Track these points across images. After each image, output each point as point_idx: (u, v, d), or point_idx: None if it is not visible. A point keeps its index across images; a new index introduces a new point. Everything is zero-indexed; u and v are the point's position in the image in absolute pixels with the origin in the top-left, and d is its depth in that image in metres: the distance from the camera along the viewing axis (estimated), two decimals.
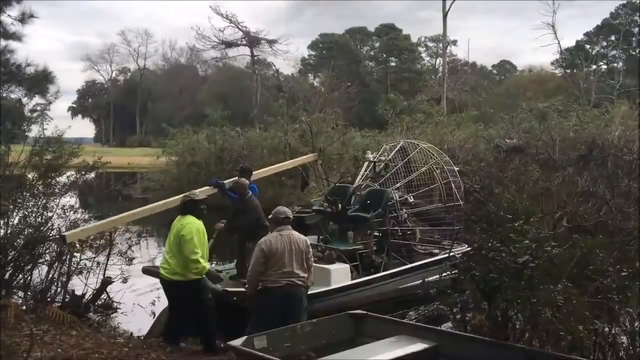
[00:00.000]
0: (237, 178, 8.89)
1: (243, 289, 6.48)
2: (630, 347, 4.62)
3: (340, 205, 9.69)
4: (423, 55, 72.79)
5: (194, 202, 6.26)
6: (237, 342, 4.61)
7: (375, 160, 11.19)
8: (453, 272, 5.13)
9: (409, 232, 10.28)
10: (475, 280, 4.46)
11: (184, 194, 6.63)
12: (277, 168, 13.81)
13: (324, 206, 10.02)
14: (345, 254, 8.97)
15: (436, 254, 9.89)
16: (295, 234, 5.87)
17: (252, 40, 45.85)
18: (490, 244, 4.61)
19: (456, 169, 11.14)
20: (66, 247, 7.61)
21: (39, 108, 9.17)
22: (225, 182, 9.27)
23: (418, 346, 4.60)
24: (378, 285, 8.86)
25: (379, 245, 9.61)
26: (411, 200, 10.45)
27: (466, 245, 8.40)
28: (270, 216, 6.05)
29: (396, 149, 11.56)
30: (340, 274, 8.45)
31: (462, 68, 62.88)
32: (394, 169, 10.98)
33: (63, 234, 7.53)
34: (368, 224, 9.40)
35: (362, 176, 11.31)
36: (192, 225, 6.01)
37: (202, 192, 7.79)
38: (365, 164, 11.68)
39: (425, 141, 12.88)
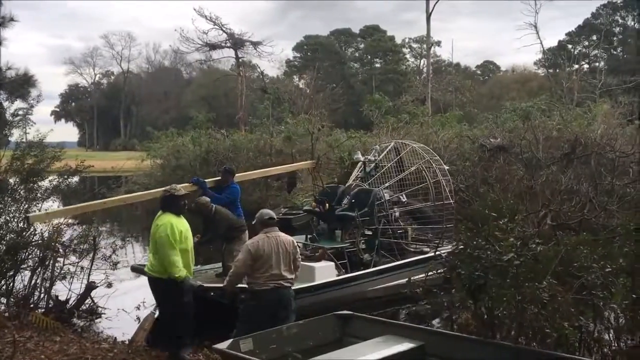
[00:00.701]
0: (219, 178, 9.42)
1: (220, 285, 6.52)
2: (615, 343, 4.65)
3: (327, 204, 9.86)
4: (408, 56, 73.13)
5: (173, 198, 5.93)
6: (223, 345, 4.58)
7: (365, 160, 11.39)
8: (438, 271, 5.14)
9: (400, 231, 10.35)
10: (461, 278, 4.47)
11: (163, 188, 6.30)
12: (276, 170, 14.24)
13: (312, 206, 10.19)
14: (334, 252, 9.14)
15: (426, 252, 9.94)
16: (283, 235, 5.83)
17: (237, 42, 45.66)
18: (475, 243, 4.62)
19: (447, 168, 11.21)
20: (30, 226, 7.62)
21: (20, 112, 9.09)
22: (207, 181, 9.36)
23: (405, 346, 4.60)
24: (362, 282, 8.93)
25: (370, 244, 9.78)
26: (404, 200, 10.59)
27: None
28: (254, 220, 5.95)
29: (387, 149, 11.70)
30: (324, 272, 8.56)
31: (446, 69, 63.29)
32: (384, 169, 11.10)
33: (27, 215, 7.60)
34: (354, 222, 9.52)
35: (354, 176, 11.43)
36: (166, 227, 5.68)
37: (183, 188, 7.41)
38: (359, 164, 11.81)
39: (413, 141, 12.94)
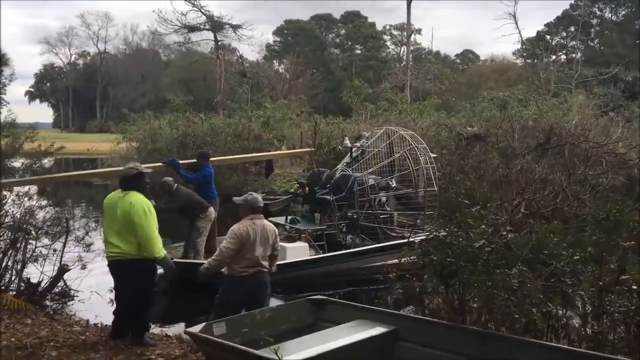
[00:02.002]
0: (194, 161, 9.87)
1: (193, 261, 7.29)
2: (582, 329, 4.76)
3: (307, 188, 10.53)
4: (388, 43, 73.23)
5: (140, 176, 5.58)
6: (195, 329, 4.57)
7: (352, 147, 12.04)
8: (411, 257, 5.19)
9: (385, 216, 10.69)
10: (433, 264, 4.52)
11: (126, 166, 5.79)
12: (273, 155, 14.64)
13: (295, 189, 11.12)
14: (316, 234, 9.80)
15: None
16: (267, 223, 5.81)
17: (216, 25, 45.13)
18: (447, 229, 4.67)
19: (434, 155, 11.46)
20: None
21: None
22: (181, 162, 9.72)
23: (377, 330, 4.65)
24: (332, 263, 9.38)
25: (350, 228, 10.19)
26: (393, 185, 10.93)
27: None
28: (242, 200, 5.83)
29: (376, 135, 12.09)
30: (295, 252, 9.08)
31: (426, 57, 63.47)
32: (370, 155, 11.45)
33: None
34: (331, 206, 10.01)
35: (344, 162, 11.86)
36: (142, 205, 5.38)
37: (153, 168, 8.08)
38: (353, 150, 12.24)
39: (403, 129, 13.11)
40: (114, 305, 5.89)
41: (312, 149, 16.17)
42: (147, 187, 5.71)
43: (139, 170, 5.61)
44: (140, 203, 5.40)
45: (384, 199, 10.72)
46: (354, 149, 11.99)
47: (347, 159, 12.01)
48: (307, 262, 9.12)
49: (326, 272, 9.17)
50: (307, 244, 9.52)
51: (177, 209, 9.04)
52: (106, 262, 5.67)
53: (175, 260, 7.12)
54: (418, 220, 10.69)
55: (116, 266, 5.51)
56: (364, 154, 11.53)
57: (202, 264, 8.17)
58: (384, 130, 12.29)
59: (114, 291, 5.90)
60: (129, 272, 5.44)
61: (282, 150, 21.09)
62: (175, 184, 9.06)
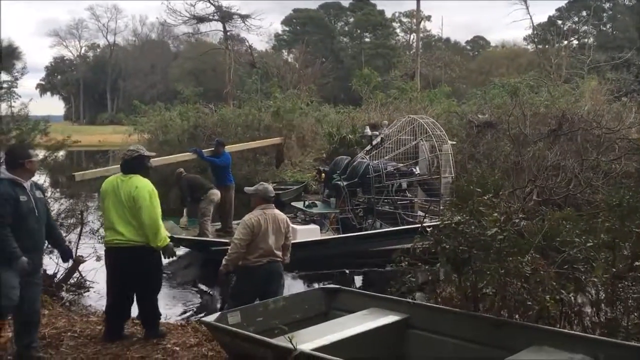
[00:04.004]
0: (213, 149, 11.53)
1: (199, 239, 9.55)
2: (595, 316, 4.76)
3: (323, 174, 11.67)
4: (397, 31, 72.61)
5: (141, 158, 5.33)
6: (210, 318, 4.63)
7: (372, 135, 12.79)
8: (424, 244, 5.20)
9: (405, 201, 11.14)
10: (445, 252, 4.53)
11: (128, 149, 5.48)
12: (245, 146, 14.94)
13: (313, 176, 12.28)
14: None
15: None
16: (278, 213, 5.86)
17: (225, 15, 45.01)
18: (460, 217, 4.68)
19: (453, 143, 11.82)
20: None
21: (5, 85, 8.96)
22: (204, 151, 11.54)
23: (390, 318, 4.68)
24: (340, 245, 10.13)
25: (368, 212, 10.98)
26: (416, 172, 11.28)
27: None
28: (253, 190, 5.88)
29: (399, 123, 12.39)
30: (306, 234, 9.83)
31: (436, 44, 62.98)
32: (388, 142, 11.83)
33: (73, 173, 9.03)
34: (344, 191, 10.81)
35: (366, 150, 12.37)
36: (148, 189, 5.15)
37: (182, 157, 11.11)
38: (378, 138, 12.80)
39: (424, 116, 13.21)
40: (108, 299, 5.44)
41: (281, 137, 16.82)
42: (149, 171, 5.46)
43: (140, 153, 5.35)
44: (146, 187, 5.16)
45: (404, 185, 11.10)
46: (373, 137, 12.56)
47: (368, 147, 12.47)
48: (314, 242, 9.77)
49: (334, 254, 9.84)
50: (318, 227, 10.40)
51: (183, 193, 10.88)
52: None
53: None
54: (433, 206, 10.79)
55: (120, 254, 5.21)
56: (383, 142, 11.92)
57: (210, 241, 9.87)
58: (406, 118, 12.59)
59: (111, 282, 5.40)
60: (135, 260, 5.16)
61: (293, 140, 21.15)
62: (184, 173, 10.97)
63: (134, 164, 5.30)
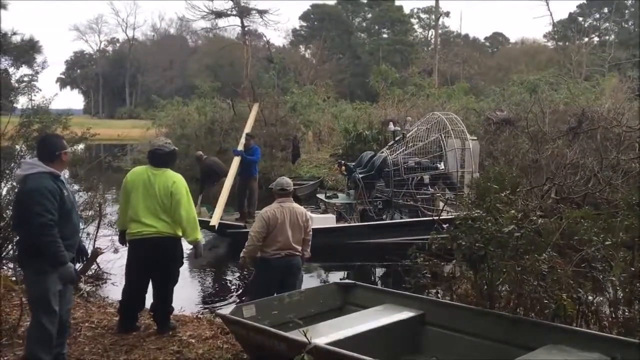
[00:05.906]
0: (244, 143, 12.20)
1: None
2: (613, 315, 4.71)
3: (344, 167, 12.17)
4: (416, 27, 72.16)
5: (174, 153, 5.42)
6: (226, 311, 4.66)
7: (395, 130, 13.28)
8: (440, 239, 5.17)
9: (426, 195, 11.48)
10: (461, 249, 4.51)
11: (159, 143, 5.45)
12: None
13: (335, 169, 13.29)
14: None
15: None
16: (296, 206, 5.83)
17: (243, 11, 45.22)
18: (476, 214, 4.65)
19: (474, 138, 12.12)
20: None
21: (26, 78, 9.07)
22: (240, 149, 12.11)
23: (405, 314, 4.67)
24: (355, 233, 10.78)
25: (386, 204, 11.51)
26: (441, 167, 11.67)
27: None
28: (272, 185, 5.90)
29: (423, 119, 12.94)
30: (321, 222, 10.03)
31: (454, 40, 62.55)
32: (410, 137, 12.27)
33: (211, 224, 10.15)
34: (360, 183, 11.35)
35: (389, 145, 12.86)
36: (184, 185, 5.22)
37: (233, 168, 11.69)
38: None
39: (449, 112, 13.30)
40: (125, 290, 5.47)
41: (257, 103, 17.16)
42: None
43: (174, 148, 5.43)
44: (182, 182, 5.22)
45: (426, 179, 11.41)
46: (397, 133, 12.96)
47: (391, 142, 12.89)
48: (328, 230, 10.15)
49: (345, 243, 10.46)
50: (334, 216, 11.19)
51: (202, 176, 12.28)
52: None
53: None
54: (449, 200, 10.81)
55: (147, 244, 5.18)
56: (405, 137, 12.28)
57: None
58: (430, 114, 12.91)
59: (132, 273, 5.42)
60: (162, 250, 5.20)
61: (309, 135, 21.21)
62: (204, 156, 12.81)
63: (167, 159, 5.33)
